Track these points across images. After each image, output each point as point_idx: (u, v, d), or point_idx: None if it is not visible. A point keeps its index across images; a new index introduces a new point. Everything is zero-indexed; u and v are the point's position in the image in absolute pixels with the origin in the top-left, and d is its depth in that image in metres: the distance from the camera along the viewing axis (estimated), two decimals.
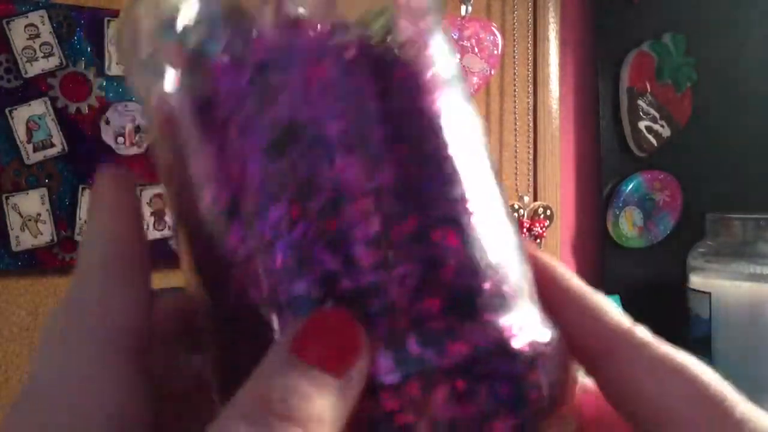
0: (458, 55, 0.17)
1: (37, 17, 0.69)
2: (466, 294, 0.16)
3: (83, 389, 0.16)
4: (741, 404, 0.16)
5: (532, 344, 0.16)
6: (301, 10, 0.16)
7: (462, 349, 0.15)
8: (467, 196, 0.16)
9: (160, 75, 0.17)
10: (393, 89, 0.16)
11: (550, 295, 0.18)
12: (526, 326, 0.16)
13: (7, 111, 0.68)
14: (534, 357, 0.16)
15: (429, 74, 0.17)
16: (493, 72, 0.88)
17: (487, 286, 0.16)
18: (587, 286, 0.18)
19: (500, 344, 0.15)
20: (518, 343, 0.15)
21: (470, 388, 0.15)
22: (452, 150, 0.17)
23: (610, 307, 0.18)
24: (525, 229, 0.90)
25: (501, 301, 0.16)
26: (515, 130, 0.92)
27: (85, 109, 0.71)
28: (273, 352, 0.15)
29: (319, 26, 0.16)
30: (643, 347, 0.17)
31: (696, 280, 0.86)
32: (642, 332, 0.18)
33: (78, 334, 0.16)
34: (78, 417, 0.15)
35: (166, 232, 0.74)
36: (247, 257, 0.16)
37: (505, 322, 0.16)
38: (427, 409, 0.14)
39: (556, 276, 0.18)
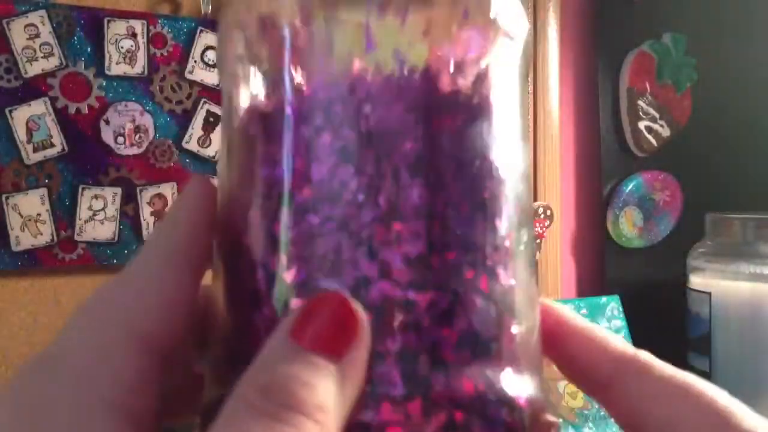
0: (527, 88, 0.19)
1: (37, 17, 0.69)
2: (485, 337, 0.16)
3: (96, 368, 0.16)
4: (748, 416, 0.17)
5: (531, 404, 0.17)
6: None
7: (468, 386, 0.16)
8: (507, 247, 0.17)
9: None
10: (463, 131, 0.17)
11: (559, 333, 0.19)
12: (528, 386, 0.17)
13: (7, 111, 0.68)
14: (530, 415, 0.16)
15: (492, 122, 0.18)
16: None
17: (503, 336, 0.17)
18: (590, 323, 0.20)
19: (503, 395, 0.16)
20: (521, 399, 0.16)
21: (467, 423, 0.15)
22: (505, 200, 0.18)
23: (615, 338, 0.19)
24: None
25: (512, 354, 0.17)
26: None
27: (85, 109, 0.71)
28: (273, 338, 0.15)
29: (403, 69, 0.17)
30: (649, 368, 0.18)
31: (696, 280, 0.86)
32: (646, 356, 0.19)
33: (111, 316, 0.17)
34: (82, 389, 0.15)
35: None
36: (286, 242, 0.17)
37: (512, 376, 0.17)
38: (421, 429, 0.15)
39: (562, 315, 0.20)
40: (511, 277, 0.17)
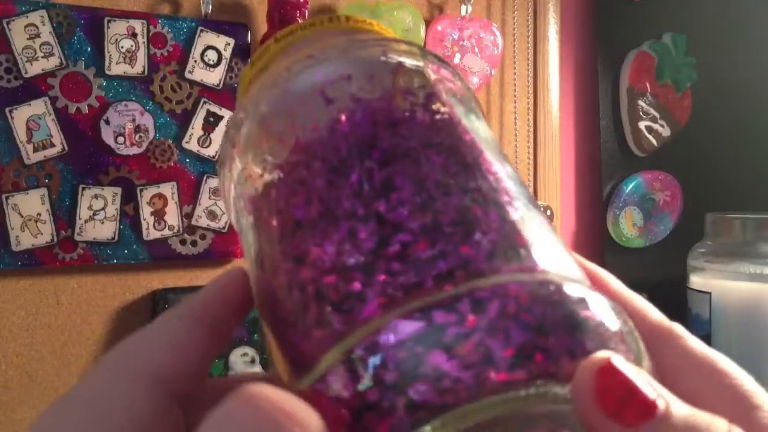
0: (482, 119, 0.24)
1: (37, 17, 0.69)
2: (512, 245, 0.18)
3: (106, 403, 0.17)
4: None
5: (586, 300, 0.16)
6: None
7: (509, 279, 0.16)
8: (506, 188, 0.19)
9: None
10: (426, 125, 0.20)
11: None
12: (577, 282, 0.17)
13: (7, 111, 0.68)
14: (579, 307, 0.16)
15: (450, 113, 0.21)
16: (493, 72, 0.88)
17: (528, 242, 0.18)
18: (629, 289, 0.20)
19: (549, 278, 0.17)
20: (571, 286, 0.17)
21: (518, 310, 0.15)
22: (487, 157, 0.20)
23: (654, 309, 0.20)
24: None
25: (544, 257, 0.18)
26: (515, 130, 0.92)
27: (85, 109, 0.71)
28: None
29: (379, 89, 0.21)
30: (681, 342, 0.19)
31: (696, 280, 0.86)
32: (680, 329, 0.19)
33: (123, 360, 0.18)
34: (90, 424, 0.16)
35: (166, 232, 0.74)
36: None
37: (554, 269, 0.17)
38: (476, 325, 0.15)
39: (605, 280, 0.20)
40: (516, 206, 0.19)
